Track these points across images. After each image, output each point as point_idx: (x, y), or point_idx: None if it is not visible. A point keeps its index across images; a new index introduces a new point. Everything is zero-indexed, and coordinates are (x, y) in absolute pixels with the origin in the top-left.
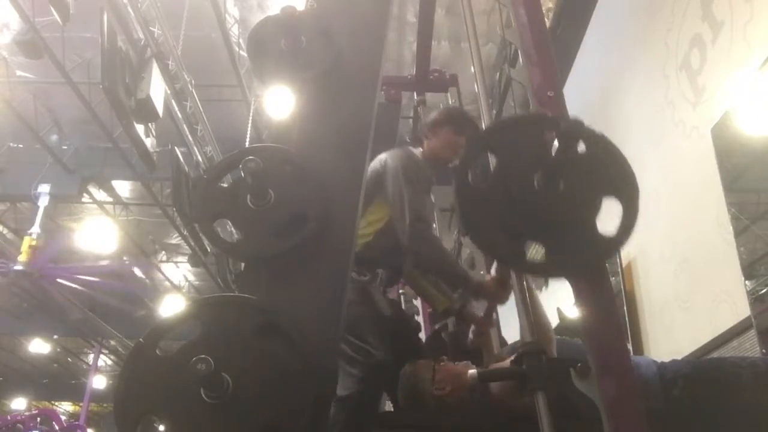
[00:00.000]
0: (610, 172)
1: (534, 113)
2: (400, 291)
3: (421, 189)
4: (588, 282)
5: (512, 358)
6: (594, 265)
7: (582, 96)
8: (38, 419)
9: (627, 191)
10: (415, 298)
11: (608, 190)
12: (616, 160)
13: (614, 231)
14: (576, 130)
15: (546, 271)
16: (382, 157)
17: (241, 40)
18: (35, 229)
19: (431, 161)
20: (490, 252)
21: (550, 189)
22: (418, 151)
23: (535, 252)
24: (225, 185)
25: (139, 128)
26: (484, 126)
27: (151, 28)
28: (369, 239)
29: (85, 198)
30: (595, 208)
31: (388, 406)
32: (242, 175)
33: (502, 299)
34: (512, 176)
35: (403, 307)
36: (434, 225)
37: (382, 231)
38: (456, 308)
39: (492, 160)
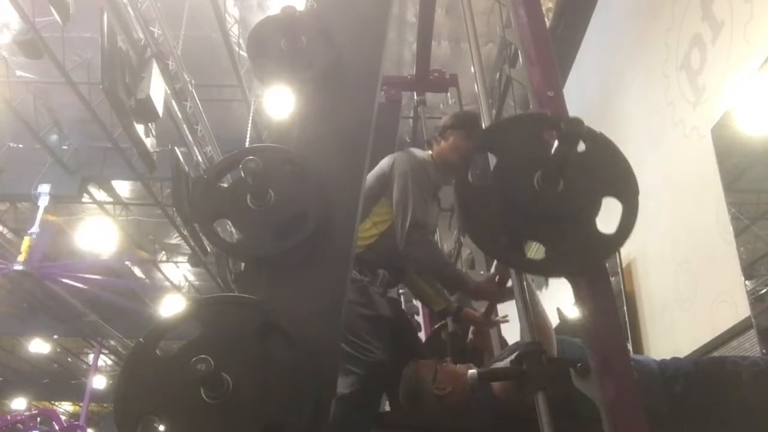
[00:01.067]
0: (610, 172)
1: (534, 113)
2: (400, 291)
3: (427, 195)
4: (588, 281)
5: (512, 357)
6: (593, 264)
7: (582, 96)
8: (38, 419)
9: (627, 191)
10: (416, 299)
11: (608, 190)
12: (616, 159)
13: (614, 230)
14: (576, 130)
15: (545, 270)
16: (391, 157)
17: (241, 40)
18: (35, 229)
19: (440, 165)
20: (490, 251)
21: (549, 188)
22: (427, 153)
23: (535, 251)
24: (225, 185)
25: (139, 128)
26: (484, 127)
27: (151, 28)
28: (372, 241)
29: (85, 198)
30: (595, 208)
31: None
32: (242, 175)
33: (501, 298)
34: (512, 175)
35: (403, 307)
36: (437, 230)
37: (385, 234)
38: (453, 309)
39: (492, 160)
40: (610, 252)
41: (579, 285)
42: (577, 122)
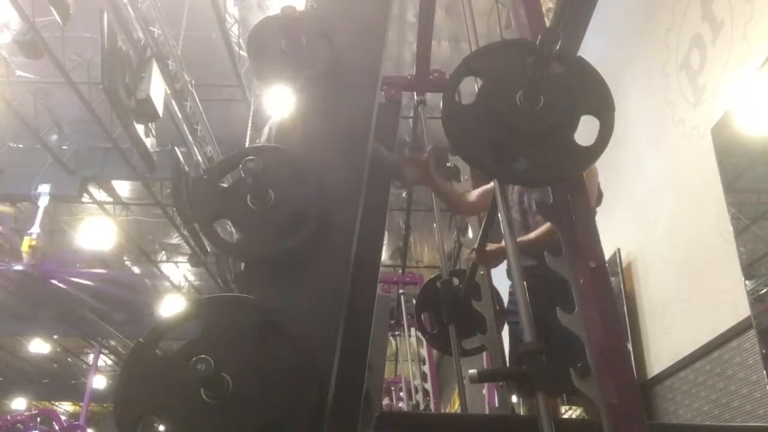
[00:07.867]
0: (588, 92)
1: (514, 39)
2: (401, 291)
3: None
4: (570, 192)
5: None
6: (572, 174)
7: None
8: (38, 419)
9: (603, 108)
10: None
11: (586, 109)
12: (594, 81)
13: (591, 143)
14: (551, 53)
15: (528, 179)
16: None
17: (241, 40)
18: (35, 229)
19: None
20: (477, 165)
21: (530, 105)
22: None
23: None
24: (225, 185)
25: (139, 128)
26: None
27: (151, 28)
28: None
29: (85, 198)
30: (574, 123)
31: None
32: (242, 175)
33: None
34: (496, 95)
35: (403, 306)
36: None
37: None
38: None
39: (477, 83)
40: (587, 162)
41: (579, 284)
42: (551, 46)
